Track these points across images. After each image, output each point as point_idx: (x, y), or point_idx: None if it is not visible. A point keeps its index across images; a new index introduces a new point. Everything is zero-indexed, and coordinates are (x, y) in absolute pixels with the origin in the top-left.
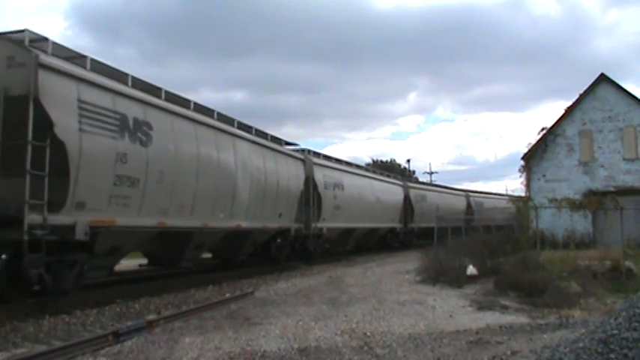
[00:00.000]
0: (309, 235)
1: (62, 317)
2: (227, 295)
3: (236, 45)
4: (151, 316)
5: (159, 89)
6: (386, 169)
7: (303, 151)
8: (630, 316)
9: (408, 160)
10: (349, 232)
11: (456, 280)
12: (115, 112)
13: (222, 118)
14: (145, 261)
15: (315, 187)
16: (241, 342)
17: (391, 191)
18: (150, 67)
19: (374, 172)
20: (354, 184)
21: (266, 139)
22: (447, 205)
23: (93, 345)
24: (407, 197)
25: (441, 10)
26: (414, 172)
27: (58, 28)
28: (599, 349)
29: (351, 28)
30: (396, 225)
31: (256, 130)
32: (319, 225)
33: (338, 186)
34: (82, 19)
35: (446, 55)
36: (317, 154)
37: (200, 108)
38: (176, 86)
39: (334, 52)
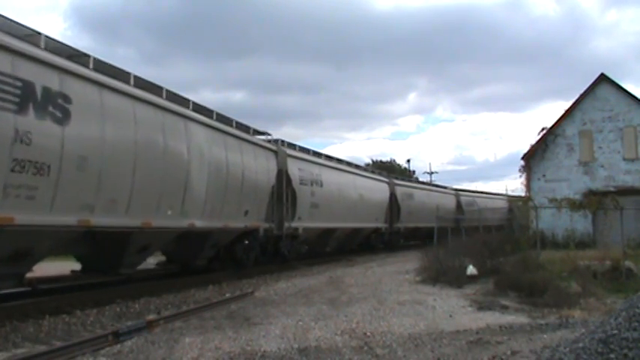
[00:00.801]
0: (282, 235)
1: (62, 317)
2: (227, 295)
3: (235, 45)
4: (151, 316)
5: (86, 56)
6: (386, 169)
7: (275, 141)
8: (630, 316)
9: (408, 160)
10: (329, 232)
11: (456, 280)
12: (15, 79)
13: (172, 97)
14: (78, 266)
15: (290, 181)
16: (241, 342)
17: (376, 188)
18: (149, 67)
19: (357, 167)
20: (335, 179)
21: (230, 125)
22: (435, 205)
23: (93, 345)
24: (393, 195)
25: (439, 11)
26: (414, 172)
27: (57, 29)
28: (599, 349)
29: (350, 29)
30: (381, 225)
31: (218, 114)
32: (294, 225)
33: (316, 181)
34: (81, 19)
35: (445, 56)
36: (292, 146)
37: (143, 84)
38: (176, 86)
39: (333, 52)
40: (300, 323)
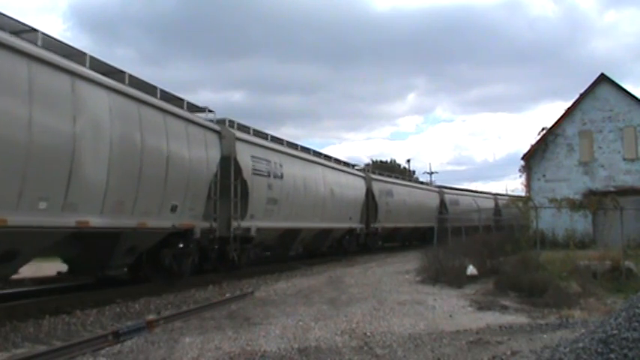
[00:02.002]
0: (229, 238)
1: (62, 317)
2: (227, 295)
3: (234, 46)
4: (151, 316)
5: None
6: (386, 169)
7: (222, 121)
8: (630, 316)
9: (408, 161)
10: (292, 234)
11: (456, 280)
12: None
13: (53, 44)
14: None
15: (239, 171)
16: (241, 342)
17: (350, 183)
18: (149, 67)
19: (327, 158)
20: (299, 171)
21: (152, 93)
22: (416, 203)
23: (93, 345)
24: (370, 192)
25: (438, 12)
26: (414, 172)
27: (57, 30)
28: (599, 349)
29: (349, 29)
30: (356, 225)
31: (133, 78)
32: (245, 224)
33: (275, 172)
34: (80, 20)
35: (444, 56)
36: (244, 128)
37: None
38: (175, 87)
39: (332, 52)
40: (300, 323)
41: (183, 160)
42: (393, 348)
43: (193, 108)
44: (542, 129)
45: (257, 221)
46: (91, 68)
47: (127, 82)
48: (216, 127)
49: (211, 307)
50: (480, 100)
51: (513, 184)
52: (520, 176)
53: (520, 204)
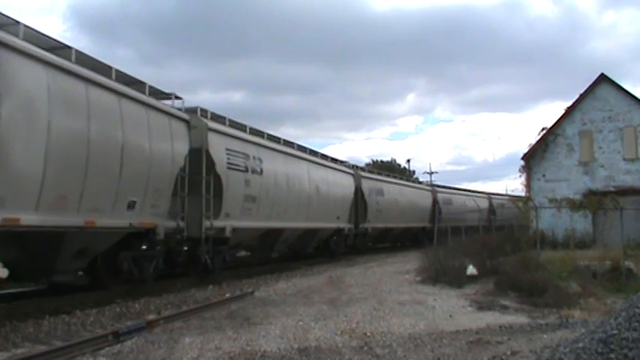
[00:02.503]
0: (201, 239)
1: (62, 317)
2: (227, 295)
3: (234, 46)
4: (151, 316)
5: None
6: (386, 169)
7: (193, 110)
8: (630, 316)
9: (408, 160)
10: (274, 234)
11: (456, 280)
12: None
13: None
14: None
15: (212, 165)
16: (241, 342)
17: (337, 181)
18: (148, 67)
19: (313, 153)
20: (281, 166)
21: (105, 74)
22: (408, 202)
23: (93, 345)
24: (359, 190)
25: (438, 12)
26: (414, 172)
27: (57, 30)
28: (599, 349)
29: (348, 30)
30: (344, 225)
31: (80, 53)
32: (219, 224)
33: (253, 167)
34: (80, 20)
35: (444, 57)
36: (219, 118)
37: None
38: (175, 87)
39: (332, 53)
40: (300, 323)
41: (142, 150)
42: (393, 348)
43: (158, 93)
44: (543, 129)
45: (233, 221)
46: (27, 41)
47: (73, 59)
48: (184, 116)
49: (211, 307)
50: (479, 100)
51: (513, 184)
52: (520, 176)
53: (520, 204)
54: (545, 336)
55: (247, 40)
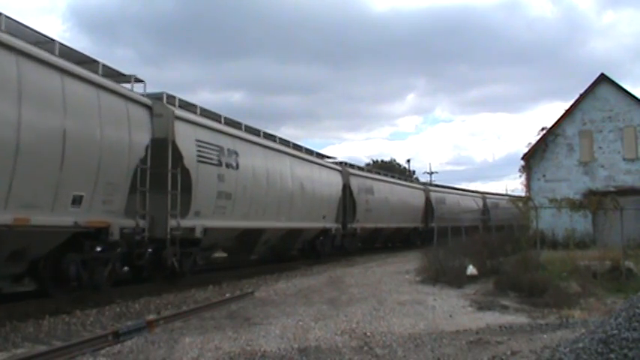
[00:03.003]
0: (166, 241)
1: (62, 317)
2: (227, 295)
3: (234, 46)
4: (151, 316)
5: None
6: (386, 169)
7: (158, 97)
8: (630, 316)
9: (408, 160)
10: (253, 234)
11: (456, 280)
12: None
13: None
14: None
15: (180, 158)
16: (241, 342)
17: (323, 178)
18: (148, 68)
19: (297, 147)
20: (260, 161)
21: (50, 51)
22: (400, 201)
23: (93, 345)
24: (347, 188)
25: (437, 12)
26: (414, 172)
27: (56, 30)
28: (599, 349)
29: (348, 30)
30: (331, 225)
31: (12, 21)
32: (188, 223)
33: (228, 161)
34: (80, 21)
35: (443, 57)
36: (188, 106)
37: None
38: (174, 87)
39: (331, 53)
40: (300, 323)
41: (90, 137)
42: (393, 348)
43: (114, 75)
44: (542, 129)
45: (204, 220)
46: None
47: (2, 26)
48: (146, 101)
49: (211, 307)
50: (479, 100)
51: (513, 184)
52: (520, 176)
53: (520, 204)
54: (545, 336)
55: (247, 41)
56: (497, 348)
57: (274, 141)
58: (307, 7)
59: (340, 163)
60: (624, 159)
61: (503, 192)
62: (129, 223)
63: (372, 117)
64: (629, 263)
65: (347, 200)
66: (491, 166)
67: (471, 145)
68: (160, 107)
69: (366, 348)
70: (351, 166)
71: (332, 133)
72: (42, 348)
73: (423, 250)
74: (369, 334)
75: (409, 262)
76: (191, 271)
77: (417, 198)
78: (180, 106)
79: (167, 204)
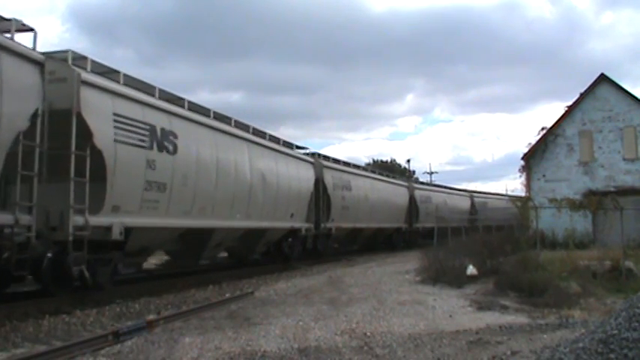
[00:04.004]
0: (68, 242)
1: (62, 317)
2: (227, 295)
3: (233, 47)
4: (151, 316)
5: None
6: (386, 169)
7: (61, 57)
8: (630, 316)
9: (408, 160)
10: (201, 235)
11: (456, 280)
12: None
13: None
14: None
15: (88, 136)
16: (241, 342)
17: (291, 170)
18: (147, 68)
19: (259, 133)
20: (208, 147)
21: None
22: (381, 199)
23: (93, 345)
24: (320, 183)
25: (436, 13)
26: (414, 172)
27: (56, 31)
28: (599, 349)
29: (347, 30)
30: (301, 225)
31: None
32: (102, 221)
33: (161, 144)
34: (79, 21)
35: (442, 57)
36: (109, 73)
37: None
38: (174, 87)
39: (330, 53)
40: (300, 323)
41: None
42: (393, 348)
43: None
44: (542, 128)
45: (126, 217)
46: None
47: None
48: (35, 56)
49: (211, 307)
50: (478, 100)
51: (513, 184)
52: (520, 176)
53: (519, 204)
54: (545, 336)
55: (246, 41)
56: (497, 348)
57: (228, 124)
58: (306, 8)
59: (313, 155)
60: (624, 159)
61: (494, 191)
62: (4, 219)
63: (371, 117)
64: (629, 263)
65: (320, 197)
66: (490, 166)
67: (470, 145)
68: (60, 68)
69: (366, 348)
70: (326, 157)
71: (331, 133)
72: (42, 348)
73: (423, 250)
74: (369, 334)
75: (409, 262)
76: (110, 282)
77: (400, 196)
78: (95, 71)
79: (69, 196)
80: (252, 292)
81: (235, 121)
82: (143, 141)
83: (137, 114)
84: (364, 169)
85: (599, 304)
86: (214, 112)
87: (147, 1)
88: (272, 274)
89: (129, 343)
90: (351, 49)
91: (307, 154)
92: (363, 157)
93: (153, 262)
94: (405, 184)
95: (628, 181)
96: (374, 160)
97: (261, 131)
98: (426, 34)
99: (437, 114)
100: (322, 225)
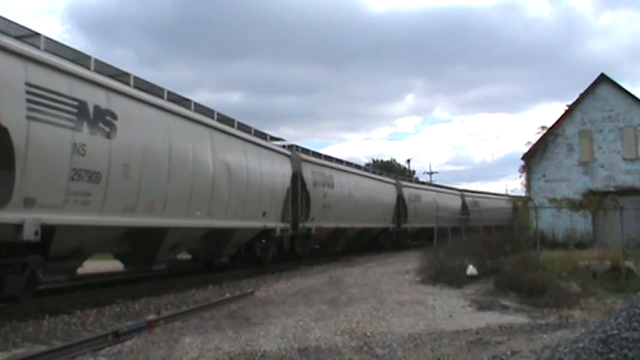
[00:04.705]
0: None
1: (62, 317)
2: (227, 295)
3: (232, 47)
4: (151, 316)
5: None
6: (386, 169)
7: (16, 37)
8: (630, 316)
9: (408, 160)
10: (151, 236)
11: (456, 280)
12: None
13: None
14: None
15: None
16: (241, 342)
17: (264, 164)
18: (147, 68)
19: (225, 120)
20: (159, 132)
21: None
22: (367, 197)
23: (93, 345)
24: (299, 178)
25: (435, 13)
26: (414, 172)
27: (55, 31)
28: (599, 349)
29: (346, 31)
30: (275, 224)
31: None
32: (7, 217)
33: (97, 125)
34: (78, 22)
35: (442, 58)
36: (25, 37)
37: None
38: (173, 87)
39: (330, 53)
40: (300, 323)
41: None
42: (393, 348)
43: None
44: (542, 127)
45: (44, 212)
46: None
47: None
48: None
49: (211, 307)
50: (477, 100)
51: (513, 184)
52: (520, 176)
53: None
54: (545, 336)
55: (245, 42)
56: (497, 348)
57: (187, 107)
58: (305, 8)
59: (290, 147)
60: (624, 159)
61: (488, 190)
62: None
63: (371, 117)
64: (629, 263)
65: (299, 193)
66: (490, 166)
67: (469, 145)
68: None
69: (366, 348)
70: (305, 150)
71: (331, 133)
72: (42, 348)
73: (423, 250)
74: (369, 334)
75: (409, 262)
76: (30, 293)
77: (387, 194)
78: (5, 33)
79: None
80: (252, 292)
81: (196, 104)
82: (70, 120)
83: (62, 87)
84: (348, 164)
85: (599, 304)
86: (169, 93)
87: (146, 1)
88: (272, 274)
89: (129, 343)
90: (350, 50)
91: (284, 146)
92: (362, 157)
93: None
94: (393, 181)
95: (628, 181)
96: (374, 160)
97: (228, 118)
98: (425, 34)
99: (436, 114)
100: (301, 225)
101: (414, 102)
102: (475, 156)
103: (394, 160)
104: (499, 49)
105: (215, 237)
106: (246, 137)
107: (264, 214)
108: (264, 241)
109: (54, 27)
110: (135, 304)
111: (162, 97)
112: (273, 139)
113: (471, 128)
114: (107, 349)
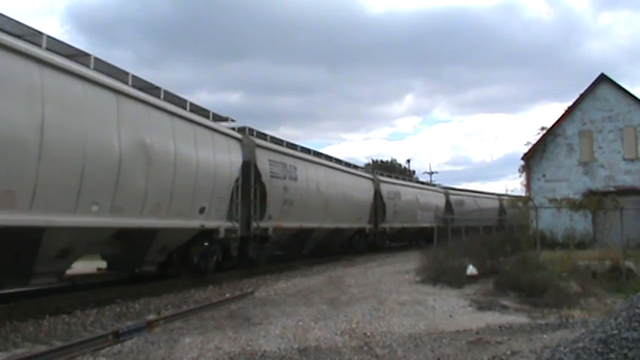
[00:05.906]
0: None
1: (62, 317)
2: (227, 295)
3: (231, 47)
4: (151, 316)
5: None
6: (386, 169)
7: None
8: (630, 316)
9: (408, 160)
10: (31, 237)
11: (456, 280)
12: None
13: None
14: None
15: None
16: (241, 342)
17: (207, 151)
18: (146, 69)
19: (142, 83)
20: (63, 111)
21: None
22: (339, 194)
23: (93, 345)
24: (252, 168)
25: (434, 14)
26: (414, 172)
27: (55, 32)
28: (599, 349)
29: (345, 31)
30: (219, 224)
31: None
32: None
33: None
34: (78, 22)
35: (441, 58)
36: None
37: None
38: (173, 88)
39: (329, 54)
40: (300, 323)
41: None
42: (393, 348)
43: None
44: (542, 128)
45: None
46: None
47: None
48: None
49: (211, 307)
50: (476, 101)
51: (513, 184)
52: (520, 176)
53: (520, 203)
54: (545, 336)
55: (244, 42)
56: (497, 348)
57: (85, 64)
58: (304, 9)
59: (242, 129)
60: (624, 159)
61: (473, 189)
62: None
63: (370, 117)
64: (629, 263)
65: (252, 186)
66: (489, 166)
67: (469, 145)
68: None
69: (366, 348)
70: (261, 134)
71: (331, 133)
72: (42, 348)
73: (423, 250)
74: (369, 334)
75: (409, 262)
76: None
77: (363, 190)
78: None
79: None
80: (252, 292)
81: (97, 60)
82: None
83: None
84: (317, 154)
85: (599, 304)
86: (48, 38)
87: (146, 2)
88: (272, 274)
89: (129, 343)
90: (350, 50)
91: (234, 128)
92: (362, 158)
93: None
94: (370, 176)
95: (628, 181)
96: (373, 161)
97: (153, 86)
98: (424, 34)
99: (436, 114)
100: (254, 224)
101: (414, 102)
102: (474, 156)
103: (395, 161)
104: (498, 50)
105: (131, 240)
106: (177, 112)
107: (201, 210)
108: (206, 244)
109: (53, 27)
110: (135, 304)
111: (39, 45)
112: (218, 118)
113: (470, 128)
114: (107, 349)
